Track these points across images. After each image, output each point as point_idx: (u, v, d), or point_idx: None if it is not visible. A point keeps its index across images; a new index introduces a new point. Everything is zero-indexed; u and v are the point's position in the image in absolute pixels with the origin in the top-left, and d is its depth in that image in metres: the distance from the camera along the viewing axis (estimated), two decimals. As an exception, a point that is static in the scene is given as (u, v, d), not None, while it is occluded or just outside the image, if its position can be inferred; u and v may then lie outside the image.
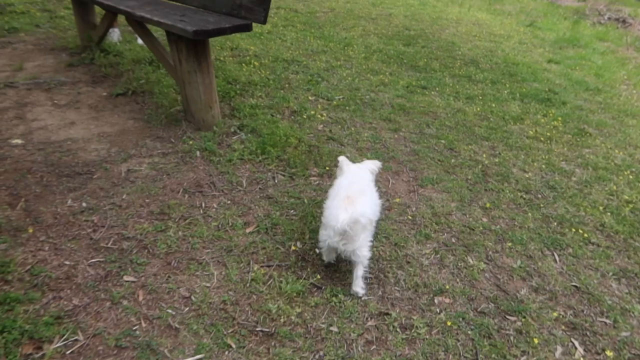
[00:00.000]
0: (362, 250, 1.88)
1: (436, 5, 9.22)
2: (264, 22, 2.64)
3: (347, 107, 3.82)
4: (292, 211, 2.40)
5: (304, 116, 3.50)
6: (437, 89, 4.54)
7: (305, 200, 2.48)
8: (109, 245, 2.06)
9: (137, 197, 2.35)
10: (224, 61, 4.49)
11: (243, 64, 4.49)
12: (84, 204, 2.27)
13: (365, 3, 8.52)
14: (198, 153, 2.75)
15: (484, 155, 3.26)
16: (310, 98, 3.91)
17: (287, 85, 4.11)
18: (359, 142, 3.23)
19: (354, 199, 1.85)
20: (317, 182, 2.70)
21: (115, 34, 4.56)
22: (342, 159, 2.21)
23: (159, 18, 2.74)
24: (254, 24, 2.73)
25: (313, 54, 5.23)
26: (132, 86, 3.56)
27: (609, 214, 2.76)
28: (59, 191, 2.36)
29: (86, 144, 2.82)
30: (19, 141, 2.82)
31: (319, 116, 3.55)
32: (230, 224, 2.25)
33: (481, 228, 2.48)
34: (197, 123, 3.00)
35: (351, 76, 4.63)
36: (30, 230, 2.08)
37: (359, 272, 1.92)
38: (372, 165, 2.22)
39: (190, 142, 2.85)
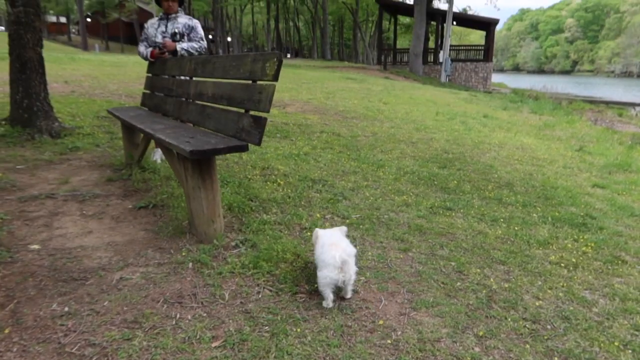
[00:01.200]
0: (353, 277, 2.59)
1: (481, 130, 9.39)
2: (258, 143, 2.82)
3: (360, 226, 3.82)
4: (265, 327, 2.34)
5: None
6: (462, 210, 4.46)
7: (280, 317, 2.42)
8: (73, 350, 2.08)
9: (117, 304, 2.41)
10: (251, 179, 4.73)
11: (268, 182, 4.71)
12: (66, 309, 2.35)
13: (408, 128, 8.85)
14: (190, 264, 2.82)
15: (493, 280, 3.07)
16: (325, 216, 3.97)
17: (306, 203, 4.22)
18: (360, 261, 3.18)
19: (338, 244, 2.58)
20: (304, 299, 2.64)
21: (157, 154, 5.01)
22: (317, 230, 2.81)
23: (170, 140, 3.01)
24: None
25: (343, 175, 5.39)
26: (155, 200, 3.82)
27: (629, 351, 2.43)
28: (50, 295, 2.47)
29: (93, 251, 2.99)
30: (37, 246, 3.04)
31: (328, 233, 3.57)
32: (198, 336, 2.22)
33: (469, 358, 2.26)
34: (200, 236, 3.11)
35: (375, 196, 4.68)
36: (7, 331, 2.17)
37: (349, 287, 2.65)
38: (341, 229, 2.86)
39: (185, 254, 2.95)
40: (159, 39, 4.97)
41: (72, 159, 5.29)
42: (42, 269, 2.75)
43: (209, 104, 3.60)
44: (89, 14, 60.59)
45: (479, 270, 3.21)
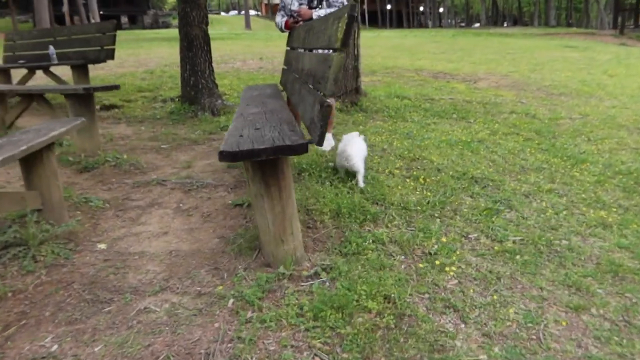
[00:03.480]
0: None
1: None
2: (318, 143, 1.89)
3: (516, 257, 2.58)
4: None
5: (436, 262, 2.46)
6: None
7: None
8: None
9: (110, 351, 1.80)
10: (390, 172, 3.76)
11: (409, 179, 3.68)
12: (54, 347, 1.83)
13: (637, 108, 6.62)
14: (231, 301, 2.06)
15: None
16: (469, 234, 2.82)
17: (449, 212, 3.11)
18: (494, 323, 2.01)
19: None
20: (369, 389, 1.66)
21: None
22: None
23: (232, 129, 2.27)
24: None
25: (519, 172, 4.03)
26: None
27: None
28: (58, 321, 2.00)
29: (148, 262, 2.47)
30: (103, 246, 2.67)
31: (458, 265, 2.45)
32: None
33: None
34: (267, 257, 2.33)
35: (557, 207, 3.28)
36: (-24, 370, 1.74)
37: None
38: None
39: (234, 283, 2.19)
40: (295, 6, 4.28)
41: (216, 140, 5.04)
42: (83, 278, 2.32)
43: (306, 83, 2.76)
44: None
45: None
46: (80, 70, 6.12)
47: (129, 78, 9.04)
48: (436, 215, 3.08)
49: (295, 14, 4.25)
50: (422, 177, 3.71)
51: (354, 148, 3.35)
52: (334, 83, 1.88)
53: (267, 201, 2.16)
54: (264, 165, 2.10)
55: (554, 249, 2.70)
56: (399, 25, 70.25)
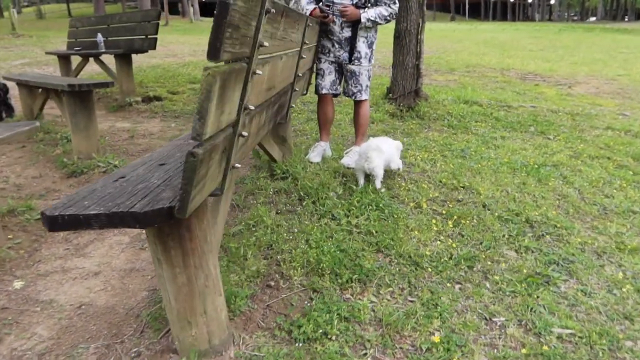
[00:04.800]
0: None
1: None
2: (180, 210, 1.20)
3: (554, 369, 1.73)
4: None
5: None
6: None
7: None
8: None
9: None
10: (420, 208, 2.97)
11: (437, 218, 2.86)
12: None
13: None
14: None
15: None
16: (494, 317, 1.99)
17: (477, 275, 2.28)
18: None
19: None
20: None
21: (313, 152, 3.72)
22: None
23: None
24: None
25: (597, 217, 3.08)
26: (235, 227, 2.55)
27: None
28: None
29: (44, 319, 1.93)
30: (19, 285, 2.18)
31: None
32: None
33: None
34: (175, 340, 1.69)
35: None
36: None
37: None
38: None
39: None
40: None
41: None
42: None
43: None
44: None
45: None
46: (123, 59, 5.85)
47: (191, 68, 8.81)
48: (456, 279, 2.27)
49: (335, 9, 3.54)
50: (458, 215, 2.88)
51: (380, 149, 3.11)
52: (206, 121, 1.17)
53: (167, 269, 1.52)
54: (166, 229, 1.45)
55: (620, 358, 1.80)
56: (503, 17, 65.97)
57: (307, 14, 3.59)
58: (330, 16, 3.54)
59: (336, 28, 3.63)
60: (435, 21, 46.03)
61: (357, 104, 3.84)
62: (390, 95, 5.71)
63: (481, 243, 2.58)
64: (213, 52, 1.15)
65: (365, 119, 3.91)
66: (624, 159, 4.27)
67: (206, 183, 1.34)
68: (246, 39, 1.40)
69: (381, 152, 3.12)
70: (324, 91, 3.80)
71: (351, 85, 3.76)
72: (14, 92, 4.96)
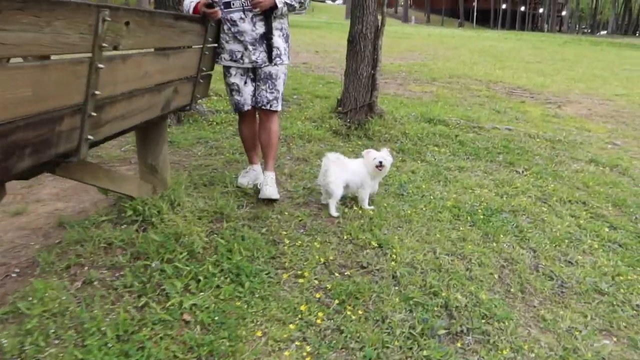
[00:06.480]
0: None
1: None
2: None
3: None
4: None
5: None
6: None
7: None
8: None
9: None
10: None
11: (310, 303, 2.04)
12: None
13: None
14: None
15: None
16: None
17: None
18: None
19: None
20: None
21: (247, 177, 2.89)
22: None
23: None
24: None
25: (551, 298, 2.26)
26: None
27: None
28: None
29: None
30: None
31: None
32: None
33: None
34: None
35: None
36: None
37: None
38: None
39: None
40: None
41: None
42: None
43: None
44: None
45: None
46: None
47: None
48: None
49: (243, 1, 2.77)
50: (347, 294, 2.05)
51: (341, 167, 2.83)
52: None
53: None
54: None
55: None
56: (513, 26, 64.88)
57: (191, 11, 2.78)
58: (217, 10, 2.72)
59: (246, 25, 2.83)
60: (442, 26, 45.16)
61: (268, 116, 3.02)
62: (340, 108, 4.88)
63: (360, 349, 1.76)
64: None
65: (277, 137, 3.10)
66: (602, 206, 3.44)
67: None
68: None
69: (348, 170, 2.84)
70: (246, 107, 3.02)
71: (266, 92, 2.95)
72: None
